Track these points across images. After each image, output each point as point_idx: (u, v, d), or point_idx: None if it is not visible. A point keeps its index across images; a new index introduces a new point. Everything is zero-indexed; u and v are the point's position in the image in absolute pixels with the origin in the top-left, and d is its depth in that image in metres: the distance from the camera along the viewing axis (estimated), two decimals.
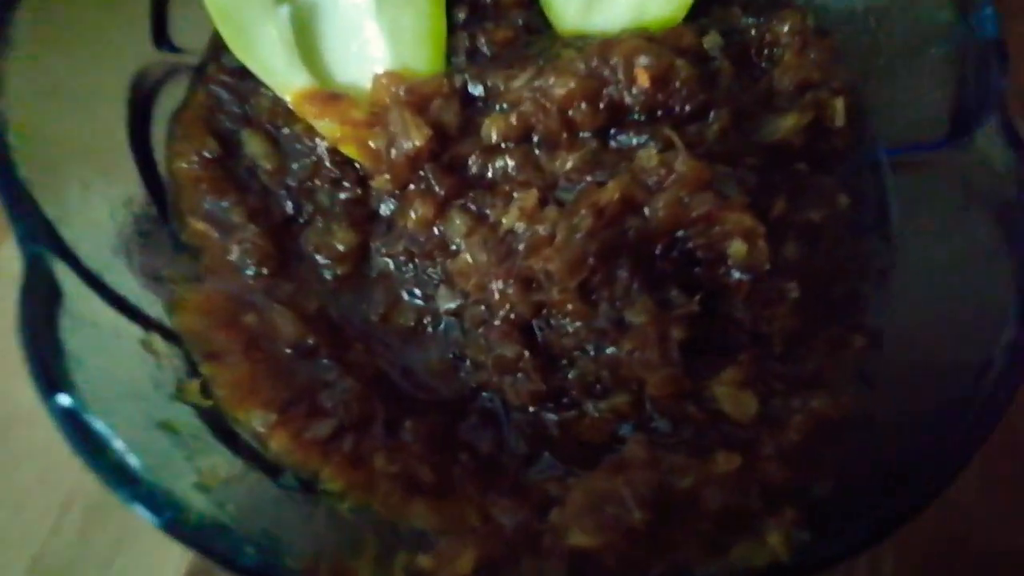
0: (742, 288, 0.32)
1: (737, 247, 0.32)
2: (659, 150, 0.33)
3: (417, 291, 0.36)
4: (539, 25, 0.39)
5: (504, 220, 0.34)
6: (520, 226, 0.33)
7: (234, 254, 0.36)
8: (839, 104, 0.37)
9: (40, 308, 0.28)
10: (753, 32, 0.39)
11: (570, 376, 0.33)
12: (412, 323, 0.36)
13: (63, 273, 0.30)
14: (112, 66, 0.37)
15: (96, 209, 0.35)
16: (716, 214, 0.32)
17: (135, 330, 0.32)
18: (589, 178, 0.34)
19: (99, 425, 0.26)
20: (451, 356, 0.36)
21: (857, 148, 0.38)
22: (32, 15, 0.32)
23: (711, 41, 0.37)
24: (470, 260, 0.34)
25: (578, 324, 0.32)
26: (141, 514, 0.26)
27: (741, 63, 0.38)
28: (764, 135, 0.36)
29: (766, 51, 0.38)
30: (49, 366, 0.26)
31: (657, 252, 0.33)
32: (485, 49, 0.38)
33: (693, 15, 0.39)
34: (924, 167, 0.37)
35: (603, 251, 0.32)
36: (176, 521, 0.26)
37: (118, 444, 0.26)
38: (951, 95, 0.35)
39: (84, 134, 0.35)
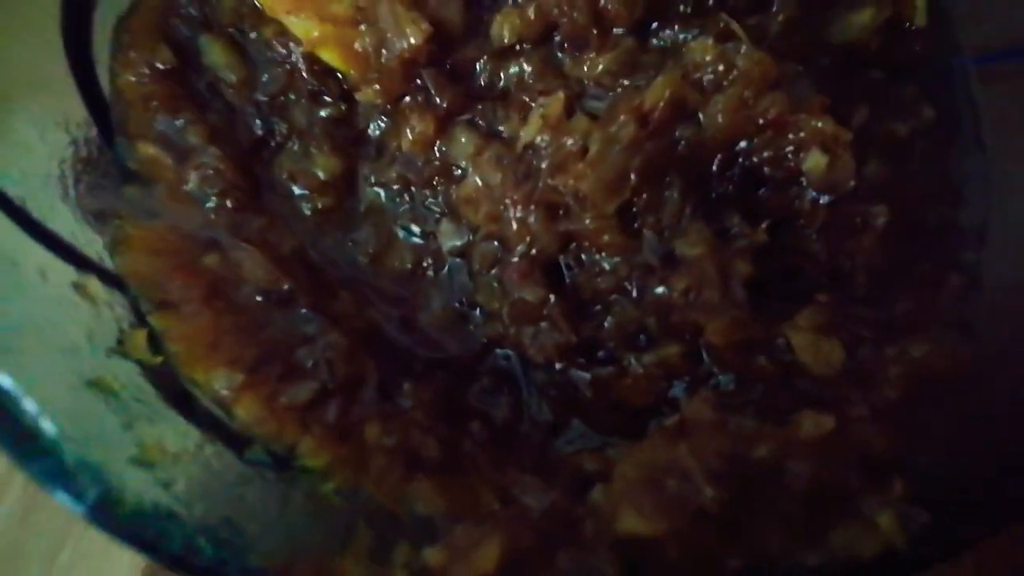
0: (819, 213, 0.27)
1: (815, 160, 0.26)
2: (715, 41, 0.27)
3: (415, 227, 0.31)
4: None
5: (522, 133, 0.27)
6: (543, 139, 0.27)
7: (192, 183, 0.30)
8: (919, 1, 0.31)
9: None
10: None
11: (606, 324, 0.27)
12: (409, 265, 0.30)
13: None
14: None
15: (21, 131, 0.28)
16: (789, 119, 0.26)
17: (66, 270, 0.26)
18: (626, 82, 0.28)
19: (3, 379, 0.20)
20: (457, 305, 0.30)
21: (939, 54, 0.32)
22: None
23: None
24: (480, 184, 0.28)
25: (616, 259, 0.27)
26: (58, 497, 0.20)
27: None
28: (834, 33, 0.30)
29: None
30: None
31: (714, 168, 0.27)
32: None
33: None
34: (1019, 78, 0.31)
35: (647, 167, 0.26)
36: (105, 505, 0.20)
37: (28, 404, 0.20)
38: None
39: (6, 42, 0.29)
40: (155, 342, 0.26)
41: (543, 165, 0.27)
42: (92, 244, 0.28)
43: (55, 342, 0.23)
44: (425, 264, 0.30)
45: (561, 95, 0.27)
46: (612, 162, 0.26)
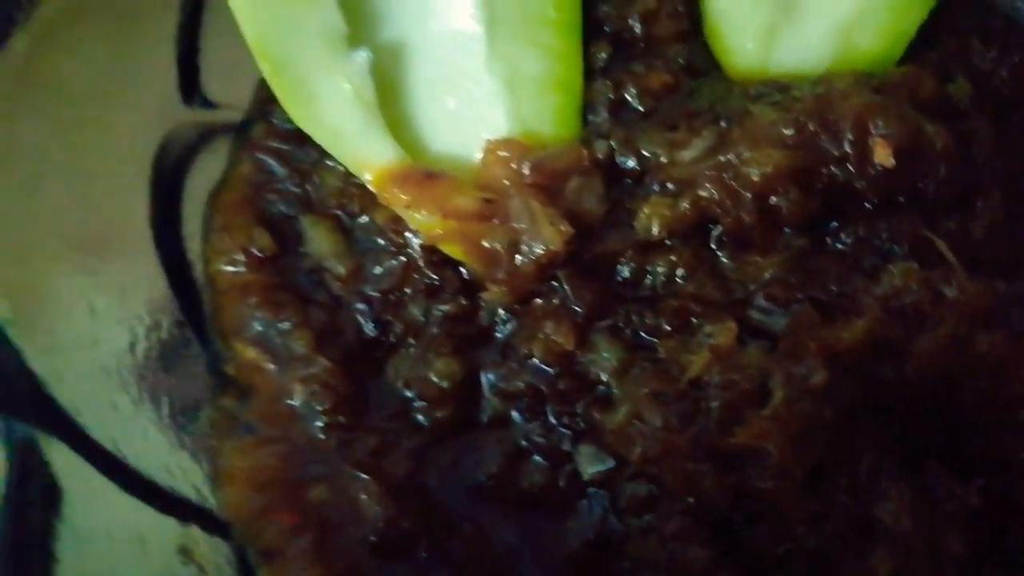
0: None
1: None
2: (914, 258, 0.24)
3: (546, 445, 0.27)
4: (703, 64, 0.31)
5: (689, 365, 0.24)
6: (714, 377, 0.24)
7: (297, 397, 0.27)
8: None
9: (29, 523, 0.19)
10: (1003, 76, 0.29)
11: None
12: (540, 490, 0.27)
13: (62, 459, 0.21)
14: (126, 132, 0.28)
15: (108, 341, 0.26)
16: (1009, 360, 0.22)
17: (169, 528, 0.23)
18: (802, 296, 0.25)
19: None
20: (596, 541, 0.26)
21: None
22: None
23: (960, 89, 0.28)
24: (636, 424, 0.24)
25: (803, 527, 0.23)
26: None
27: (996, 117, 0.28)
28: None
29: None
30: None
31: (918, 414, 0.23)
32: (635, 102, 0.30)
33: (917, 47, 0.29)
34: None
35: (840, 419, 0.22)
36: None
37: None
38: None
39: (88, 233, 0.27)
40: None
41: (713, 405, 0.24)
42: (189, 475, 0.26)
43: None
44: (560, 484, 0.27)
45: (732, 325, 0.24)
46: (800, 414, 0.23)
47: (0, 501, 0.21)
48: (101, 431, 0.25)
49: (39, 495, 0.21)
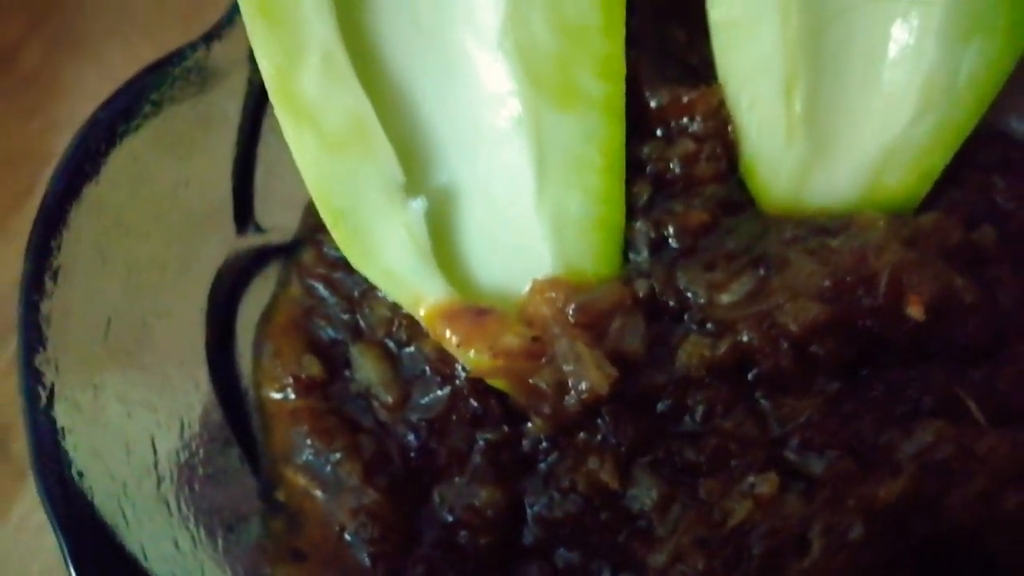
0: None
1: None
2: (944, 415, 0.25)
3: (585, 571, 0.28)
4: (738, 199, 0.32)
5: (733, 511, 0.26)
6: (757, 525, 0.25)
7: (345, 526, 0.28)
8: None
9: None
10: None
11: None
12: None
13: None
14: (183, 267, 0.30)
15: (165, 475, 0.27)
16: None
17: None
18: (839, 442, 0.26)
19: None
20: None
21: None
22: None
23: (985, 236, 0.30)
24: (680, 566, 0.26)
25: None
26: None
27: (1021, 263, 0.29)
28: None
29: None
30: None
31: (950, 562, 0.25)
32: (674, 241, 0.31)
33: (942, 184, 0.31)
34: None
35: (876, 569, 0.24)
36: None
37: None
38: None
39: (147, 369, 0.28)
40: None
41: (754, 553, 0.25)
42: None
43: None
44: None
45: (774, 477, 0.26)
46: (838, 566, 0.24)
47: None
48: (163, 569, 0.26)
49: None
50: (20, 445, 0.40)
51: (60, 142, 0.28)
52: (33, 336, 0.24)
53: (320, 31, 0.27)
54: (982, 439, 0.26)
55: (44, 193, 0.25)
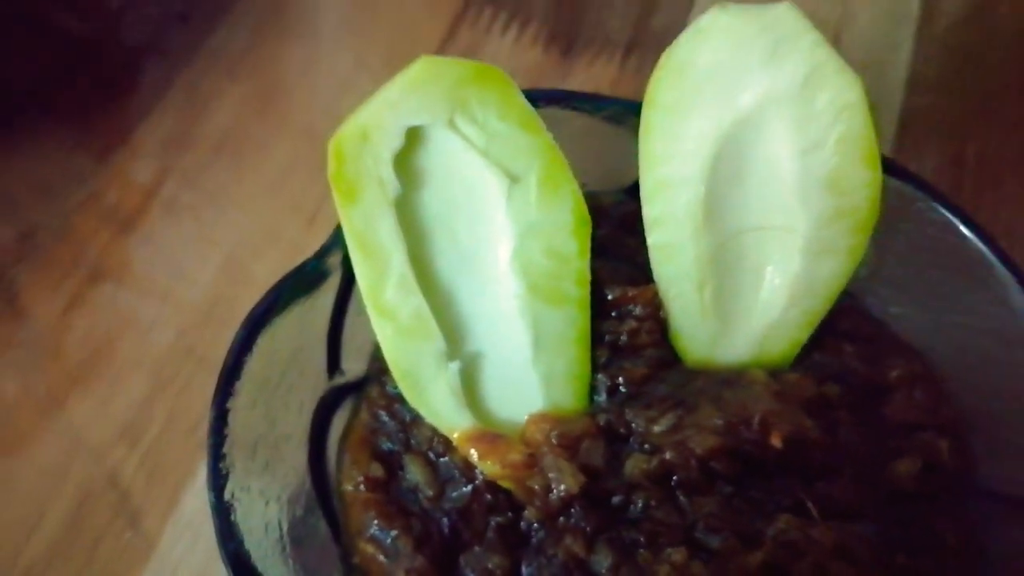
0: None
1: None
2: (793, 512, 0.39)
3: None
4: (669, 358, 0.45)
5: (658, 572, 0.38)
6: None
7: None
8: (944, 446, 0.42)
9: None
10: (863, 374, 0.44)
11: None
12: None
13: None
14: (296, 405, 0.42)
15: (274, 532, 0.40)
16: None
17: None
18: (728, 527, 0.39)
19: None
20: None
21: (964, 483, 0.43)
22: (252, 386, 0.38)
23: (831, 391, 0.42)
24: None
25: None
26: None
27: (856, 409, 0.43)
28: (882, 481, 0.41)
29: (877, 393, 0.44)
30: None
31: None
32: (623, 387, 0.43)
33: (807, 347, 0.45)
34: None
35: None
36: None
37: None
38: None
39: (272, 468, 0.41)
40: None
41: None
42: None
43: None
44: None
45: (684, 550, 0.38)
46: None
47: None
48: None
49: None
50: (150, 520, 0.49)
51: None
52: (218, 457, 0.37)
53: (397, 260, 0.38)
54: (816, 528, 0.38)
55: (221, 370, 0.39)
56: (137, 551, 0.48)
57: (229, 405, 0.37)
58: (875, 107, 0.67)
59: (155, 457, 0.51)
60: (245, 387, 0.38)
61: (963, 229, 0.44)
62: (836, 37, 0.70)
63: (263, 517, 0.38)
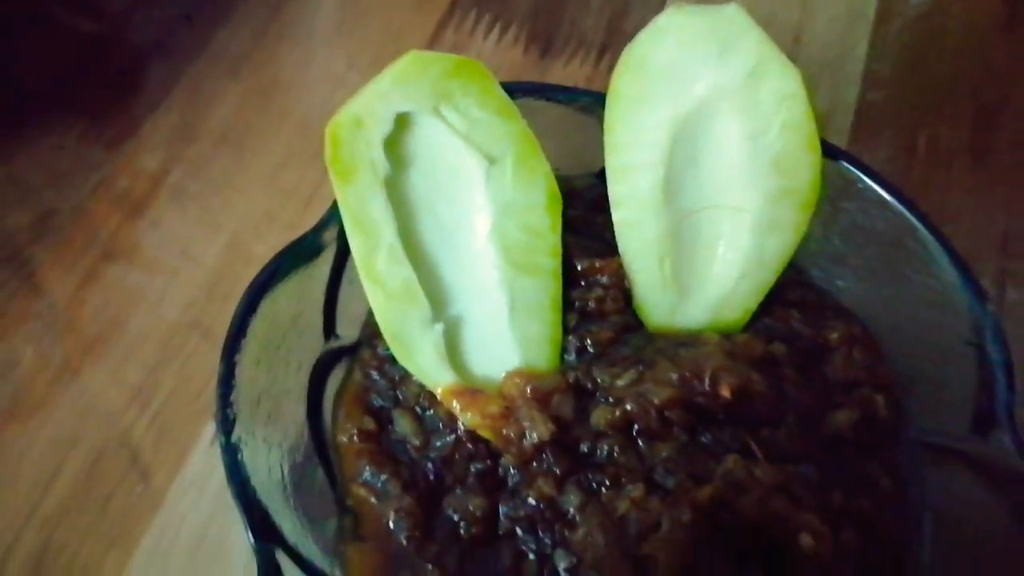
0: (810, 571, 0.42)
1: (807, 541, 0.41)
2: (741, 454, 0.43)
3: (537, 549, 0.45)
4: (633, 324, 0.49)
5: (619, 506, 0.43)
6: (632, 513, 0.42)
7: (390, 520, 0.45)
8: (880, 400, 0.47)
9: None
10: (807, 337, 0.49)
11: None
12: None
13: (281, 558, 0.39)
14: (296, 363, 0.47)
15: (276, 473, 0.44)
16: (790, 515, 0.41)
17: None
18: (683, 469, 0.44)
19: None
20: None
21: (897, 434, 0.48)
22: (256, 345, 0.43)
23: (777, 349, 0.47)
24: (590, 538, 0.43)
25: None
26: None
27: (800, 367, 0.48)
28: (823, 430, 0.46)
29: (820, 353, 0.49)
30: None
31: (743, 537, 0.42)
32: (591, 348, 0.47)
33: (757, 314, 0.49)
34: (953, 454, 0.46)
35: (699, 539, 0.41)
36: None
37: None
38: (972, 398, 0.45)
39: (275, 421, 0.45)
40: None
41: (631, 532, 0.42)
42: (332, 567, 0.44)
43: None
44: (545, 574, 0.45)
45: (642, 485, 0.43)
46: (678, 537, 0.41)
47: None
48: (293, 539, 0.43)
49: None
50: (159, 477, 0.52)
51: None
52: (226, 404, 0.41)
53: (387, 234, 0.41)
54: (760, 468, 0.42)
55: (228, 329, 0.43)
56: (146, 505, 0.52)
57: (236, 360, 0.42)
58: (832, 101, 0.72)
59: (163, 420, 0.54)
60: (250, 345, 0.43)
61: (898, 206, 0.48)
62: (796, 37, 0.75)
63: (266, 460, 0.42)
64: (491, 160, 0.45)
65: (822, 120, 0.72)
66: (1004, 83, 0.73)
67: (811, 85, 0.73)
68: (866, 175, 0.49)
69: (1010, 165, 0.70)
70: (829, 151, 0.47)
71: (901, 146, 0.70)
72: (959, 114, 0.72)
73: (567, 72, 0.72)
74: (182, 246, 0.61)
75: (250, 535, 0.39)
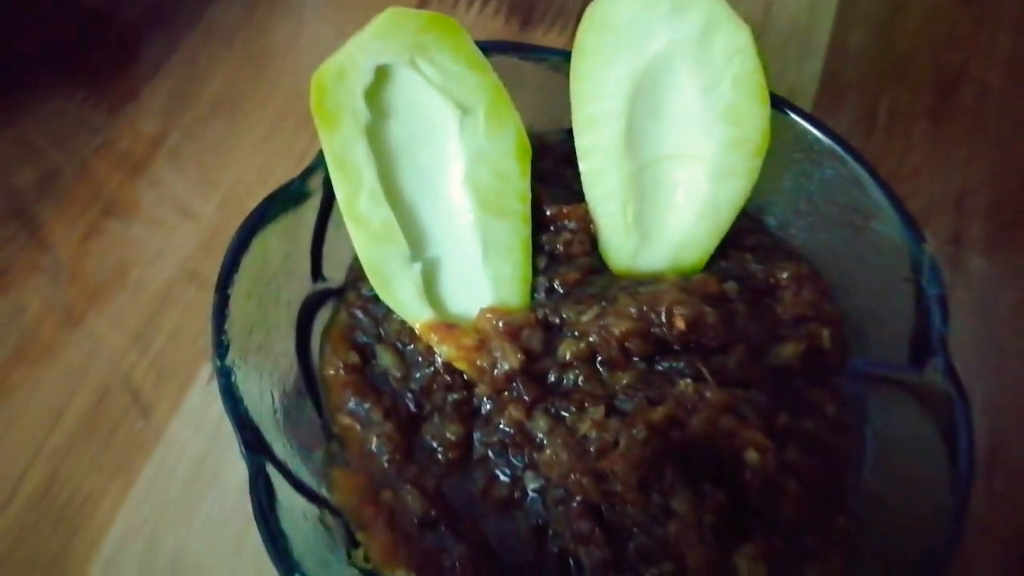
0: (755, 484, 0.45)
1: (752, 456, 0.45)
2: (694, 379, 0.47)
3: (508, 471, 0.48)
4: (599, 266, 0.52)
5: (580, 427, 0.47)
6: (592, 433, 0.46)
7: (372, 444, 0.49)
8: (826, 333, 0.51)
9: (265, 502, 0.41)
10: (760, 276, 0.53)
11: (630, 547, 0.45)
12: (505, 496, 0.49)
13: (274, 475, 0.43)
14: (285, 300, 0.50)
15: (267, 400, 0.48)
16: (737, 432, 0.45)
17: (314, 510, 0.45)
18: (641, 394, 0.48)
19: None
20: (536, 524, 0.48)
21: (842, 365, 0.52)
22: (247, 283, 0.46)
23: (730, 287, 0.50)
24: (555, 457, 0.47)
25: (636, 509, 0.45)
26: None
27: (752, 303, 0.51)
28: (771, 360, 0.50)
29: (771, 291, 0.53)
30: (283, 549, 0.39)
31: (694, 455, 0.46)
32: (559, 288, 0.51)
33: (715, 257, 0.53)
34: (893, 383, 0.50)
35: (654, 456, 0.45)
36: None
37: None
38: (911, 331, 0.49)
39: (264, 352, 0.49)
40: (366, 554, 0.45)
41: (592, 449, 0.46)
42: (319, 486, 0.48)
43: (321, 560, 0.43)
44: (516, 496, 0.48)
45: (602, 407, 0.46)
46: (634, 453, 0.45)
47: (252, 492, 0.43)
48: (283, 458, 0.47)
49: (266, 492, 0.42)
50: (158, 414, 0.56)
51: None
52: (221, 331, 0.45)
53: (368, 178, 0.44)
54: (710, 390, 0.46)
55: (222, 264, 0.46)
56: (147, 439, 0.55)
57: (229, 292, 0.45)
58: (799, 69, 0.76)
59: (163, 362, 0.58)
60: (242, 279, 0.46)
61: (844, 154, 0.52)
62: (766, 8, 0.78)
63: (258, 385, 0.46)
64: (465, 110, 0.48)
65: (790, 87, 0.76)
66: (964, 51, 0.77)
67: (780, 54, 0.78)
68: (816, 127, 0.52)
69: (968, 129, 0.73)
70: (779, 102, 0.51)
71: (864, 110, 0.74)
72: (920, 81, 0.75)
73: (546, 41, 0.75)
74: (180, 203, 0.65)
75: (242, 446, 0.42)
